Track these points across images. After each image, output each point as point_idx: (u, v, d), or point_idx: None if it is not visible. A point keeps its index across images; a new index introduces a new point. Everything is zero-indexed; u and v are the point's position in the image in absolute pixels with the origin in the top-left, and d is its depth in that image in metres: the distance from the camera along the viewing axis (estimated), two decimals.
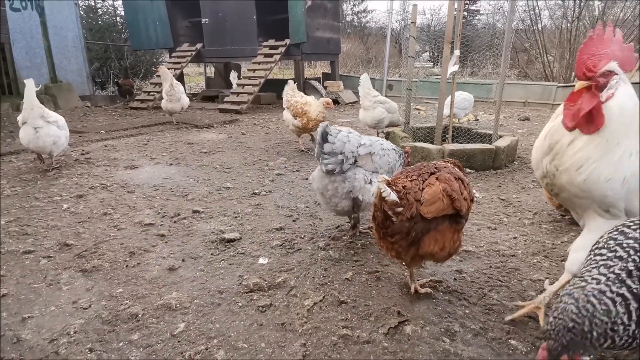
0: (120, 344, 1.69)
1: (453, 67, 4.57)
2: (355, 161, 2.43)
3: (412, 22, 4.89)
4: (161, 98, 7.18)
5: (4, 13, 7.78)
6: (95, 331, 1.76)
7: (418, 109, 9.72)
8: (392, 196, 1.69)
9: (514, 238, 2.69)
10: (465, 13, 27.05)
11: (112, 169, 4.32)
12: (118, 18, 16.10)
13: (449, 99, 6.22)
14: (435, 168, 1.95)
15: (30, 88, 3.96)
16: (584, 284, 1.21)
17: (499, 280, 2.18)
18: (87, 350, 1.64)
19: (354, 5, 30.08)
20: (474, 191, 3.58)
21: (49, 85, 10.08)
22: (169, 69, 10.73)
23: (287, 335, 1.75)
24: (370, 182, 2.48)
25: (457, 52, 4.60)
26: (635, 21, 12.58)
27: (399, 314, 1.88)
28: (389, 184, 1.75)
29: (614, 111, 1.54)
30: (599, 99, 1.54)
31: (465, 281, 2.18)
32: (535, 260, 2.40)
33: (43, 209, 3.17)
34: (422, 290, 2.04)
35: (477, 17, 27.30)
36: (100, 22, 15.38)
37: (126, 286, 2.11)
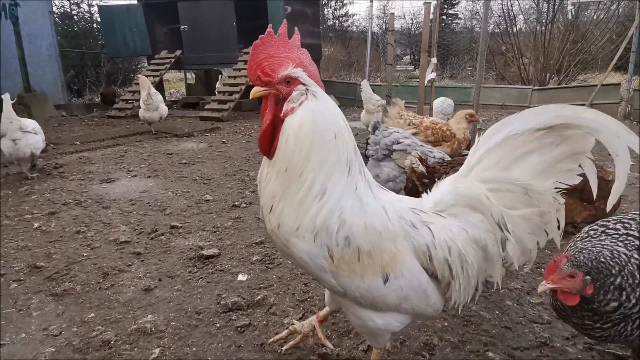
0: None
1: (430, 75, 4.64)
2: (391, 154, 2.86)
3: (390, 30, 4.95)
4: (139, 106, 7.05)
5: None
6: None
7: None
8: (421, 168, 2.24)
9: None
10: (444, 17, 27.72)
11: (87, 183, 4.21)
12: (94, 24, 15.79)
13: (434, 103, 6.35)
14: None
15: (7, 102, 4.07)
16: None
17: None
18: None
19: (335, 9, 30.29)
20: None
21: (22, 95, 9.77)
22: (147, 76, 10.57)
23: (266, 356, 1.73)
24: (395, 181, 2.85)
25: (434, 60, 4.68)
26: (608, 23, 13.08)
27: None
28: (420, 159, 2.27)
29: (291, 130, 1.16)
30: (285, 109, 1.19)
31: None
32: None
33: (14, 228, 3.06)
34: None
35: (455, 21, 27.86)
36: (76, 29, 15.06)
37: (99, 310, 2.05)
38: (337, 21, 31.49)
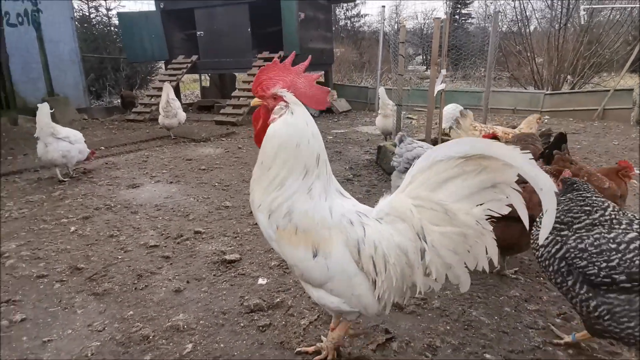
0: None
1: (440, 86, 4.80)
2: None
3: (401, 42, 5.12)
4: (158, 112, 7.34)
5: (1, 32, 7.92)
6: (111, 353, 1.94)
7: (410, 118, 9.97)
8: None
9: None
10: (457, 17, 27.61)
11: (115, 189, 4.50)
12: (112, 28, 16.25)
13: (444, 111, 6.51)
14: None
15: (42, 110, 4.46)
16: None
17: (479, 297, 2.39)
18: None
19: (347, 10, 30.41)
20: None
21: (46, 99, 10.18)
22: (164, 81, 10.93)
23: (286, 353, 1.94)
24: None
25: (443, 72, 4.83)
26: (623, 25, 12.96)
27: (387, 331, 2.08)
28: None
29: (268, 134, 1.54)
30: (270, 118, 1.57)
31: (448, 298, 2.38)
32: (512, 277, 2.60)
33: (52, 231, 3.34)
34: None
35: (468, 21, 27.73)
36: (94, 32, 15.53)
37: (136, 308, 2.29)
38: (349, 21, 31.67)
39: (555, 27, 13.72)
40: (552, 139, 3.53)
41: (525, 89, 13.88)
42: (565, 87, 13.09)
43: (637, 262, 1.51)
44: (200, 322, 2.17)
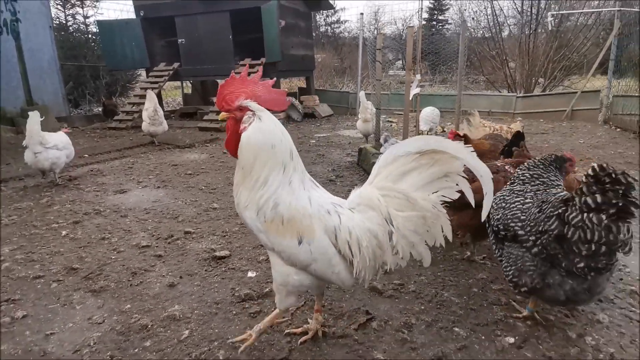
0: (136, 350, 2.02)
1: (415, 90, 5.08)
2: None
3: (378, 49, 5.39)
4: (140, 117, 7.40)
5: None
6: (112, 341, 2.08)
7: (390, 122, 10.30)
8: None
9: (465, 244, 3.16)
10: (434, 22, 28.39)
11: (102, 194, 4.58)
12: (90, 35, 16.11)
13: (422, 113, 6.82)
14: (497, 170, 2.67)
15: (33, 119, 4.54)
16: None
17: (450, 280, 2.62)
18: (108, 357, 1.96)
19: (327, 16, 30.88)
20: None
21: (25, 108, 10.08)
22: (146, 88, 10.95)
23: (275, 335, 2.12)
24: None
25: (418, 77, 5.13)
26: (590, 29, 13.67)
27: (367, 312, 2.29)
28: None
29: (243, 142, 1.68)
30: (239, 128, 1.71)
31: (423, 283, 2.61)
32: (480, 262, 2.86)
33: (43, 236, 3.43)
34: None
35: (445, 27, 28.55)
36: (72, 40, 15.37)
37: (133, 302, 2.43)
38: (329, 28, 32.14)
39: (526, 32, 14.40)
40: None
41: (500, 92, 14.48)
42: (538, 90, 13.72)
43: (507, 216, 1.99)
44: (195, 311, 2.33)
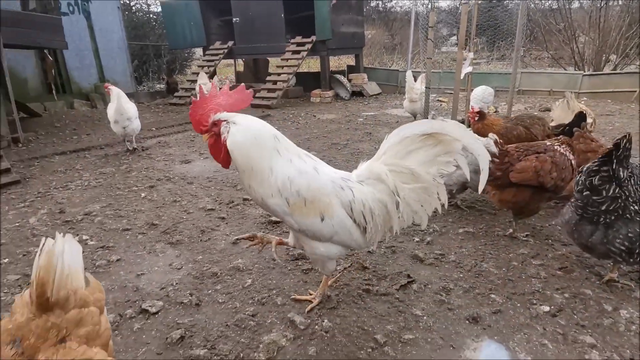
0: (209, 291, 2.41)
1: (467, 69, 5.03)
2: None
3: (430, 27, 5.35)
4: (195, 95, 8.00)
5: (59, 21, 8.68)
6: (190, 283, 2.49)
7: (441, 101, 10.09)
8: (492, 148, 2.73)
9: (509, 222, 3.23)
10: None
11: (170, 163, 5.11)
12: (151, 15, 17.04)
13: (473, 93, 6.68)
14: (544, 149, 2.80)
15: (122, 97, 5.27)
16: None
17: (490, 254, 2.76)
18: (188, 294, 2.36)
19: None
20: None
21: (98, 85, 11.11)
22: (203, 66, 11.55)
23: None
24: None
25: (470, 55, 5.05)
26: None
27: (409, 276, 2.51)
28: (495, 141, 2.78)
29: (231, 149, 1.79)
30: (222, 138, 1.82)
31: (463, 254, 2.77)
32: (523, 239, 2.94)
33: (126, 196, 3.97)
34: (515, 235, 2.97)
35: None
36: (135, 20, 16.36)
37: (204, 254, 2.84)
38: (380, 2, 31.17)
39: (597, 5, 13.13)
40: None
41: (565, 69, 13.48)
42: (608, 69, 12.60)
43: None
44: (255, 265, 2.69)
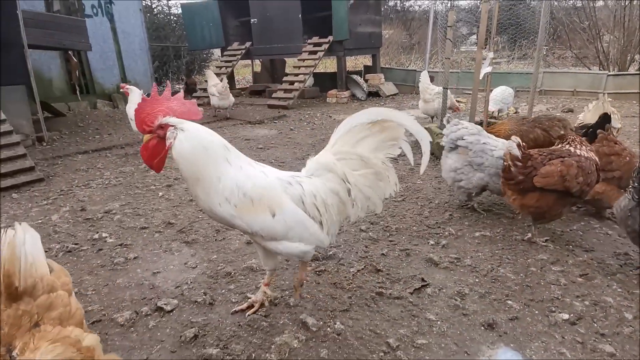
0: (223, 290, 2.43)
1: (487, 69, 4.93)
2: (457, 148, 3.33)
3: (449, 26, 5.26)
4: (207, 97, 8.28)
5: (83, 23, 8.95)
6: (204, 282, 2.52)
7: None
8: (515, 151, 2.73)
9: (528, 226, 3.15)
10: None
11: None
12: (172, 17, 17.37)
13: (493, 93, 6.54)
14: (568, 154, 2.73)
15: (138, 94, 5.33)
16: None
17: (508, 259, 2.69)
18: (202, 293, 2.39)
19: None
20: None
21: (120, 85, 11.40)
22: (221, 67, 11.70)
23: (338, 291, 2.41)
24: (456, 171, 3.33)
25: (490, 55, 4.95)
26: None
27: (423, 280, 2.47)
28: (518, 145, 2.74)
29: (176, 156, 1.74)
30: (166, 144, 1.76)
31: (480, 259, 2.72)
32: (543, 245, 2.87)
33: (144, 195, 4.06)
34: (534, 240, 2.90)
35: None
36: (156, 22, 16.71)
37: (218, 254, 2.87)
38: (398, 1, 30.90)
39: (622, 3, 12.67)
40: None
41: (589, 69, 13.06)
42: (633, 69, 12.15)
43: None
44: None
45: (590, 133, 3.19)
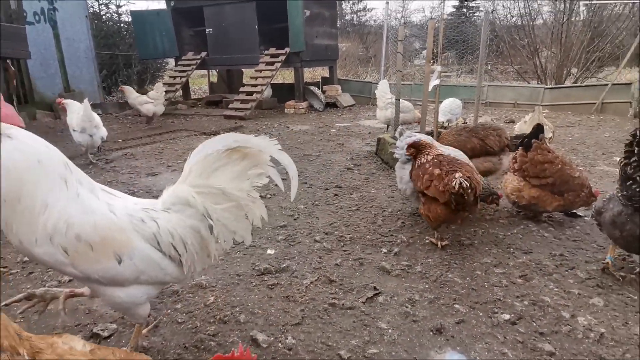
0: (169, 311, 2.30)
1: (435, 81, 5.15)
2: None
3: (399, 40, 5.47)
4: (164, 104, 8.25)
5: (23, 31, 8.39)
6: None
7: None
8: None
9: (474, 231, 3.29)
10: (465, 9, 27.59)
11: (136, 176, 4.95)
12: (122, 24, 16.69)
13: (442, 105, 6.85)
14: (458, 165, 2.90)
15: (87, 105, 5.16)
16: None
17: (455, 263, 2.79)
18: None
19: (353, 4, 30.58)
20: None
21: (62, 94, 10.69)
22: (175, 77, 11.38)
23: (290, 304, 2.36)
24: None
25: (438, 68, 5.19)
26: (624, 20, 13.06)
27: (375, 288, 2.49)
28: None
29: (1, 169, 1.38)
30: None
31: (430, 265, 2.79)
32: (486, 248, 3.00)
33: None
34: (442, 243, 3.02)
35: (476, 14, 27.69)
36: (104, 29, 15.98)
37: None
38: (355, 15, 31.81)
39: (560, 20, 13.87)
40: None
41: (529, 83, 14.09)
42: (570, 82, 13.26)
43: None
44: (219, 281, 2.60)
45: (525, 142, 3.41)
